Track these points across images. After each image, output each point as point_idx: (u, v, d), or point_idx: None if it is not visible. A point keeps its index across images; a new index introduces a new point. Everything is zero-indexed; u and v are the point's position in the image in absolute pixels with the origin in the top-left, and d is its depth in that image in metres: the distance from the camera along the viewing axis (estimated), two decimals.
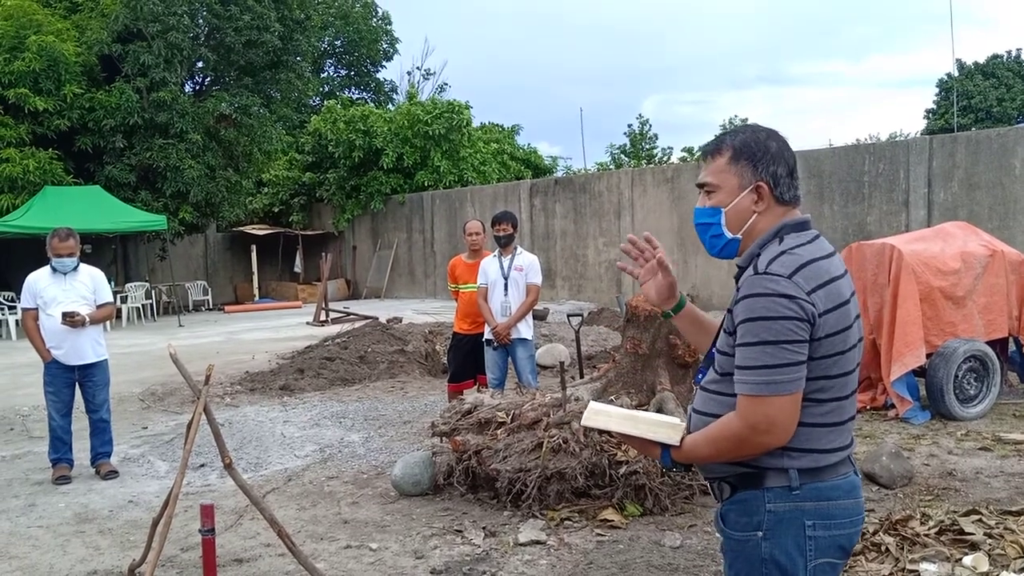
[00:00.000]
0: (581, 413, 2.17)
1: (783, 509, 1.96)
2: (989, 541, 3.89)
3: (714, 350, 2.11)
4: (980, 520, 4.13)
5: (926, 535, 3.96)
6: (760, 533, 1.98)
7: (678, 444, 2.03)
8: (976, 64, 35.28)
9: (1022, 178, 13.45)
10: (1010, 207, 13.50)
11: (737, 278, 2.06)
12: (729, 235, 2.10)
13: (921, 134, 31.78)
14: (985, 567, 3.65)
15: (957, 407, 7.00)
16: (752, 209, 2.06)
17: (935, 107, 36.55)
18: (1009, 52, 35.54)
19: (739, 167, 2.06)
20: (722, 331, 2.06)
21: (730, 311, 2.00)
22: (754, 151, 2.06)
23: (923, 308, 7.10)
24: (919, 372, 7.26)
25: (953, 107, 31.54)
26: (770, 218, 2.06)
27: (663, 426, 2.06)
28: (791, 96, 72.10)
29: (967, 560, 3.69)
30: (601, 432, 5.00)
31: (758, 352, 1.89)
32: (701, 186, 2.15)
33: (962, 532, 3.97)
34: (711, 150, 2.12)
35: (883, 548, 3.88)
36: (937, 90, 36.72)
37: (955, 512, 4.28)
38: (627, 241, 2.34)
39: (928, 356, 7.10)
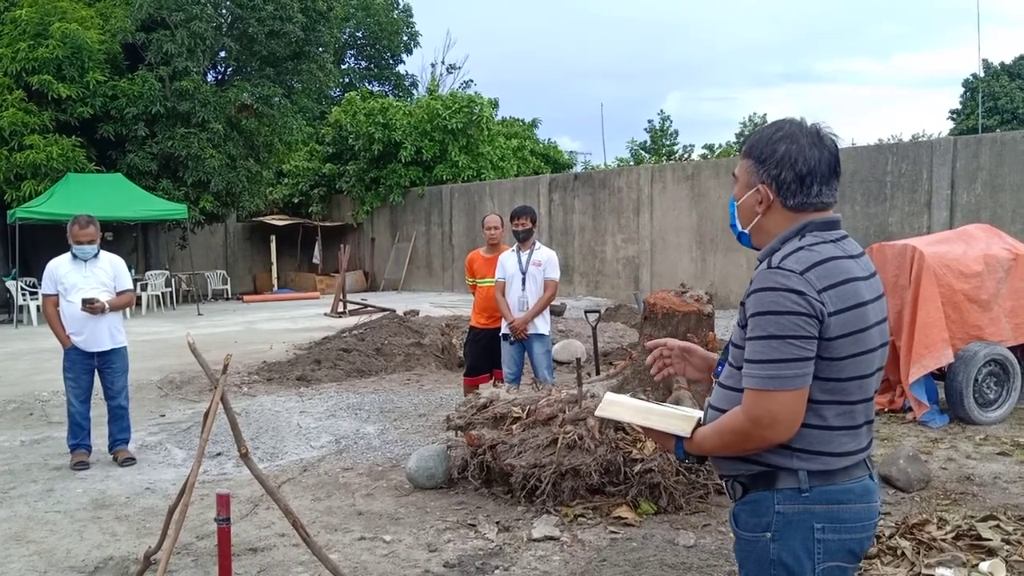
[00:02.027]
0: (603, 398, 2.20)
1: (792, 511, 1.96)
2: (1006, 547, 3.86)
3: (729, 343, 2.11)
4: (998, 526, 4.09)
5: (943, 540, 3.93)
6: (769, 534, 1.98)
7: (689, 435, 2.04)
8: (1002, 65, 34.85)
9: None
10: None
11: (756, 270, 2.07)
12: (739, 227, 2.13)
13: (948, 134, 31.48)
14: (1002, 573, 3.61)
15: (976, 411, 6.94)
16: (755, 209, 2.07)
17: (961, 107, 36.16)
18: None
19: (750, 166, 2.07)
20: (736, 325, 2.06)
21: (743, 304, 1.99)
22: (760, 153, 2.04)
23: (947, 311, 7.03)
24: (938, 375, 7.20)
25: (978, 108, 31.18)
26: (777, 220, 2.04)
27: (675, 418, 2.08)
28: (816, 94, 71.51)
29: (984, 566, 3.66)
30: (616, 429, 5.01)
31: (764, 346, 1.88)
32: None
33: (979, 537, 3.93)
34: (743, 143, 2.14)
35: (899, 552, 3.85)
36: (963, 90, 36.34)
37: (972, 517, 4.24)
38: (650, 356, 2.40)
39: None
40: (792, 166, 1.99)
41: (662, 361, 2.37)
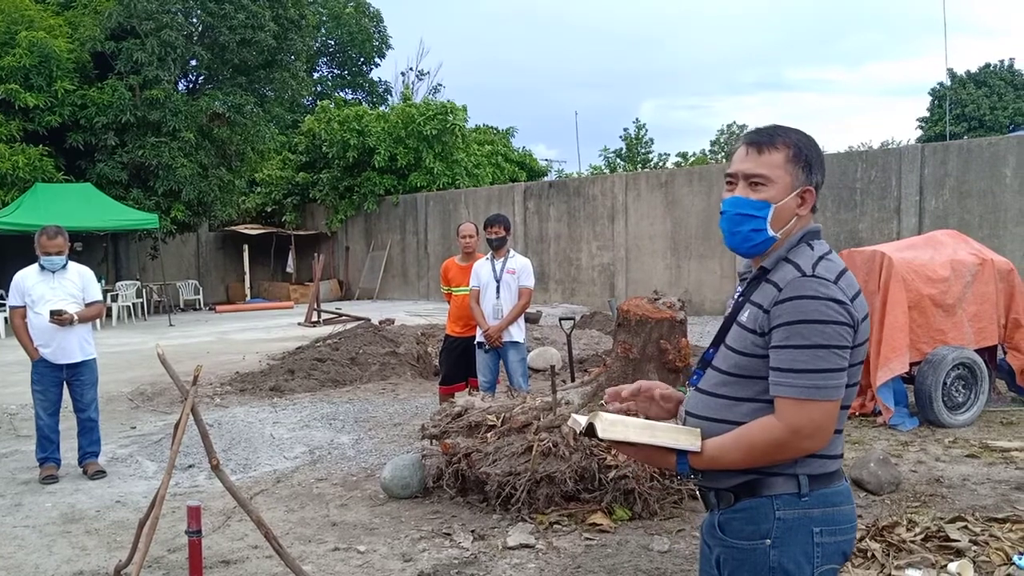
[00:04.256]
0: (570, 416, 2.13)
1: (792, 516, 1.95)
2: (974, 548, 3.91)
3: (722, 351, 2.06)
4: (966, 527, 4.15)
5: (912, 541, 3.97)
6: (768, 541, 1.96)
7: (699, 450, 1.97)
8: (968, 73, 35.44)
9: (1012, 187, 13.53)
10: (1000, 215, 13.58)
11: (755, 279, 2.03)
12: (771, 232, 2.02)
13: (916, 142, 31.92)
14: (970, 574, 3.66)
15: (945, 414, 7.02)
16: (795, 212, 2.03)
17: (929, 115, 36.71)
18: (1001, 61, 35.79)
19: (797, 168, 2.01)
20: (744, 332, 2.00)
21: (766, 312, 1.93)
22: (811, 156, 2.03)
23: (913, 315, 7.12)
24: (908, 379, 7.28)
25: (946, 116, 31.66)
26: (801, 223, 2.05)
27: (683, 433, 2.01)
28: (788, 102, 72.35)
29: (952, 567, 3.71)
30: (614, 445, 5.01)
31: (809, 355, 1.86)
32: (746, 177, 2.04)
33: (948, 539, 3.98)
34: (764, 142, 2.03)
35: (869, 554, 3.89)
36: (930, 98, 36.90)
37: (941, 519, 4.29)
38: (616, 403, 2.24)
39: (918, 363, 7.12)
40: (823, 171, 2.08)
41: (634, 399, 2.24)
